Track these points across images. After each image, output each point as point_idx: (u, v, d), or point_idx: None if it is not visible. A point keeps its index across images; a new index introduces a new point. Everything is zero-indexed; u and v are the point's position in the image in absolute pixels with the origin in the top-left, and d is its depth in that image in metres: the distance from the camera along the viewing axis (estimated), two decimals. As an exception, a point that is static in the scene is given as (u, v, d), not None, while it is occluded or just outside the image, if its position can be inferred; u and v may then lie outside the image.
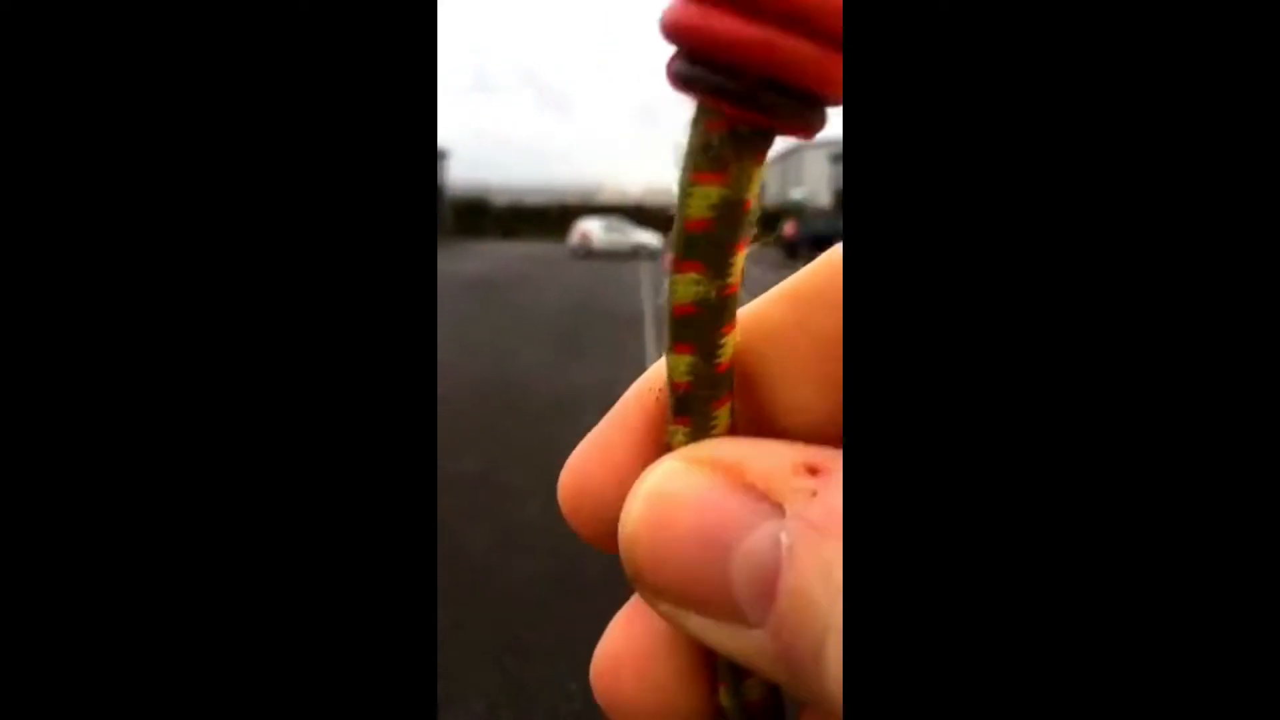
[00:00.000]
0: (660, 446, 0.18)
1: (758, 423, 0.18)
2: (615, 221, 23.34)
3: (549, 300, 9.94)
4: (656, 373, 0.19)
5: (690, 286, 0.16)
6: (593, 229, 22.41)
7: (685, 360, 0.17)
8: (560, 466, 0.20)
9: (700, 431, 0.17)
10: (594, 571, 2.47)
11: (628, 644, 0.19)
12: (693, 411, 0.17)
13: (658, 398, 0.19)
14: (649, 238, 22.09)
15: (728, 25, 0.14)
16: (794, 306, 0.18)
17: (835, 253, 0.17)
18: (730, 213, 0.16)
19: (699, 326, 0.17)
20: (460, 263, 15.86)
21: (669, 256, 0.16)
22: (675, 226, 0.16)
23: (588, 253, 21.54)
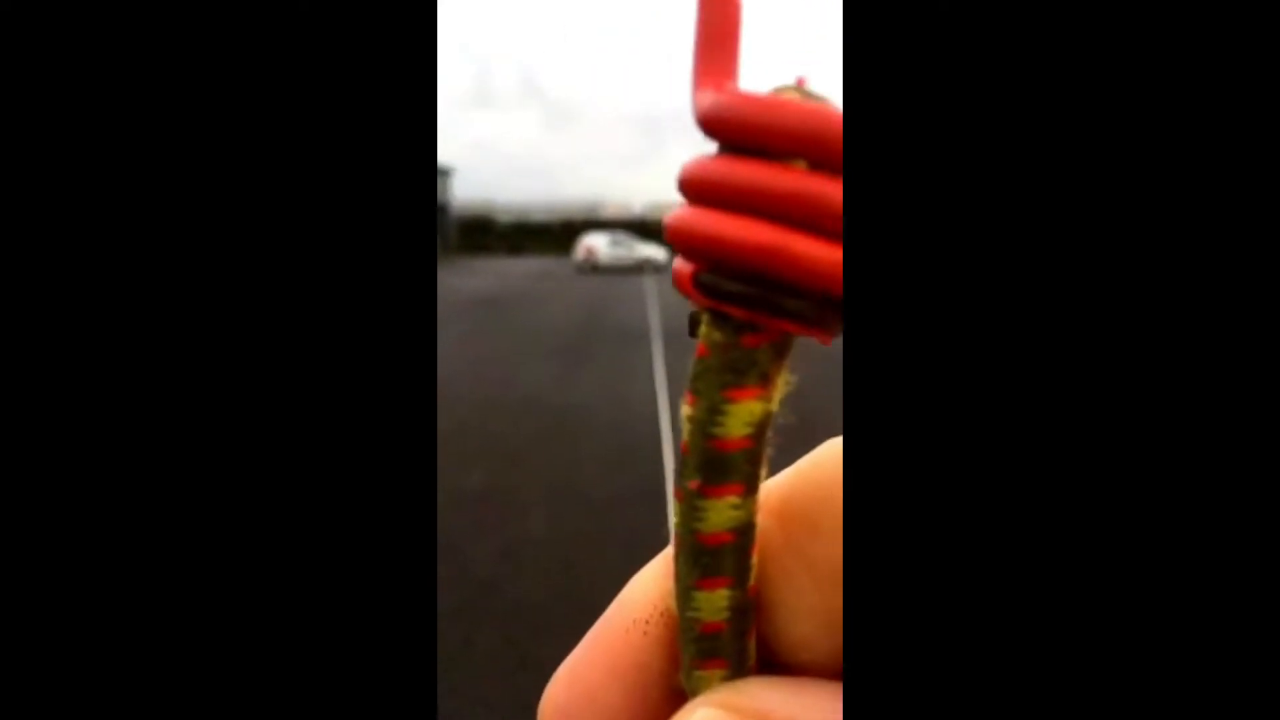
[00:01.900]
0: (647, 683, 0.16)
1: (759, 649, 0.16)
2: (620, 236, 23.39)
3: (555, 316, 9.97)
4: (640, 598, 0.17)
5: (728, 511, 0.14)
6: (598, 244, 22.46)
7: (722, 595, 0.15)
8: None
9: (736, 673, 0.15)
10: (602, 585, 2.46)
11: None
12: (726, 653, 0.15)
13: (645, 631, 0.16)
14: (654, 251, 22.13)
15: (763, 236, 0.12)
16: (784, 525, 0.15)
17: (824, 467, 0.15)
18: (767, 424, 0.14)
19: (736, 554, 0.15)
20: (466, 279, 15.92)
21: (690, 482, 0.14)
22: (700, 447, 0.14)
23: (593, 267, 21.59)
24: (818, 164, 0.12)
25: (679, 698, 0.16)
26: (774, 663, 0.16)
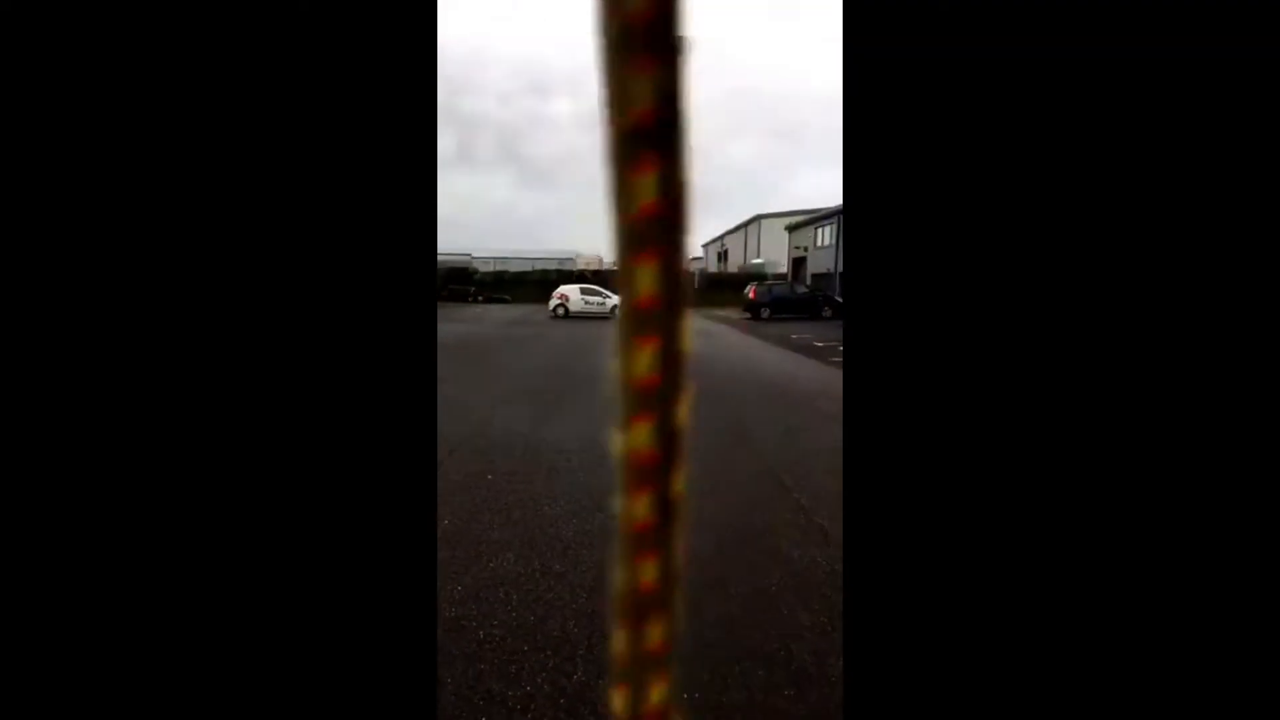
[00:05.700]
0: None
1: None
2: (591, 287, 23.57)
3: (529, 362, 9.90)
4: None
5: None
6: (570, 293, 22.61)
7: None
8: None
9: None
10: (568, 625, 2.38)
11: None
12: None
13: None
14: (623, 302, 22.30)
15: None
16: None
17: None
18: None
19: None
20: (447, 325, 15.76)
21: None
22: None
23: (566, 315, 21.70)
24: None
25: None
26: None
